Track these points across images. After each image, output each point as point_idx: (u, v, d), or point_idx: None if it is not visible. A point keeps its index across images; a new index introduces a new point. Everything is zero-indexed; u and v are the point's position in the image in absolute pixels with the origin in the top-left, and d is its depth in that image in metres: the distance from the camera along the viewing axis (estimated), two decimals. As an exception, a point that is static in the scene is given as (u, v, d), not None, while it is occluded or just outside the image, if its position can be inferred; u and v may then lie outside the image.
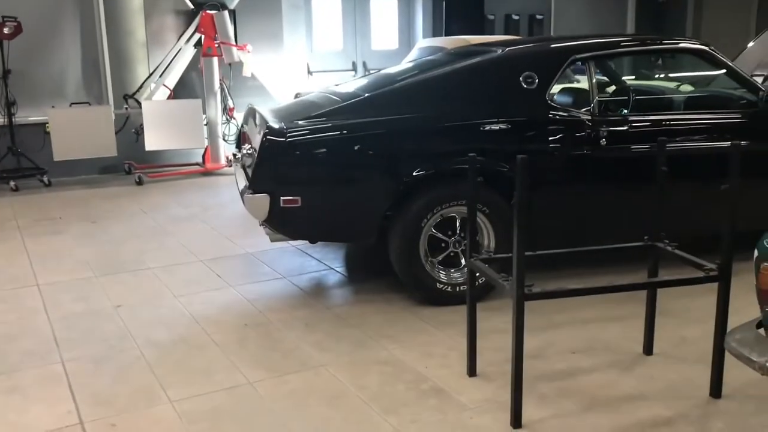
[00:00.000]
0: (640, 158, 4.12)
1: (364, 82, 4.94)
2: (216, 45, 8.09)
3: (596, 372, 3.23)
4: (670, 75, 6.42)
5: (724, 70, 4.52)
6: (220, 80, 8.29)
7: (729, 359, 2.67)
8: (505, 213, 3.81)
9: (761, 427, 2.75)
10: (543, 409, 2.89)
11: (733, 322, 2.67)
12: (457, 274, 4.00)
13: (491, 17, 11.35)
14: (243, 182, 4.20)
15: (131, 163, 8.13)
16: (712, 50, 4.42)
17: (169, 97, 8.16)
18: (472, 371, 3.19)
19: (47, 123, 7.52)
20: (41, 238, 5.63)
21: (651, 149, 3.72)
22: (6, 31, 7.24)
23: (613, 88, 5.20)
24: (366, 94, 4.19)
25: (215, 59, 8.17)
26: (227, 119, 8.54)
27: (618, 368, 3.25)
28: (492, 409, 2.89)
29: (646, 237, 3.23)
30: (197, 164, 8.35)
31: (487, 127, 3.97)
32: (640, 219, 3.40)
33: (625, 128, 4.14)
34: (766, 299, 2.30)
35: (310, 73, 9.68)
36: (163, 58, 8.28)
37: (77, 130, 7.53)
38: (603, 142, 4.05)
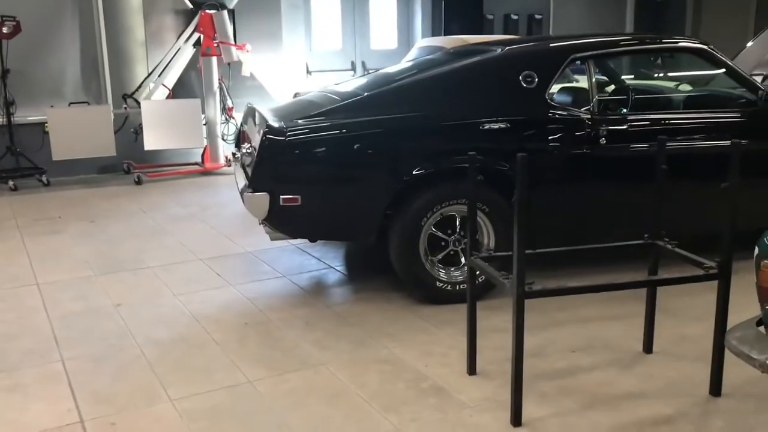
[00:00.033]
0: (639, 157, 4.12)
1: (363, 81, 4.94)
2: (215, 44, 8.08)
3: (596, 370, 3.23)
4: (670, 74, 6.43)
5: (724, 70, 4.52)
6: (219, 80, 8.29)
7: (729, 357, 2.67)
8: (504, 212, 3.82)
9: (761, 425, 2.76)
10: (543, 407, 2.89)
11: (733, 320, 2.67)
12: (457, 273, 4.01)
13: (490, 17, 11.35)
14: (242, 181, 4.20)
15: (130, 163, 8.12)
16: (712, 49, 4.42)
17: (168, 97, 8.15)
18: (472, 370, 3.19)
19: (46, 122, 7.50)
20: (40, 237, 5.62)
21: (651, 148, 3.72)
22: (5, 30, 7.22)
23: (612, 87, 5.20)
24: (365, 94, 4.19)
25: (214, 59, 8.16)
26: (226, 119, 8.54)
27: (618, 366, 3.25)
28: (492, 408, 2.89)
29: (646, 235, 3.23)
30: (196, 164, 8.34)
31: (487, 126, 3.97)
32: (640, 217, 3.40)
33: (624, 127, 4.14)
34: (766, 297, 2.30)
35: (309, 72, 9.67)
36: (162, 58, 8.27)
37: (76, 130, 7.51)
38: (602, 141, 4.06)
